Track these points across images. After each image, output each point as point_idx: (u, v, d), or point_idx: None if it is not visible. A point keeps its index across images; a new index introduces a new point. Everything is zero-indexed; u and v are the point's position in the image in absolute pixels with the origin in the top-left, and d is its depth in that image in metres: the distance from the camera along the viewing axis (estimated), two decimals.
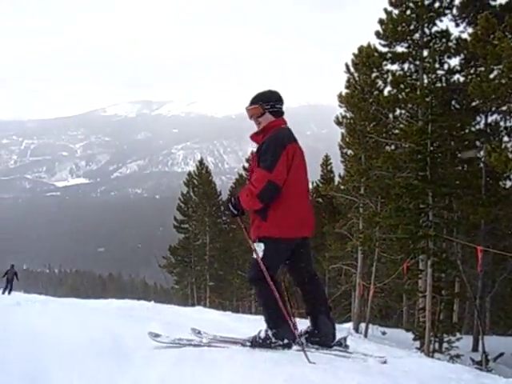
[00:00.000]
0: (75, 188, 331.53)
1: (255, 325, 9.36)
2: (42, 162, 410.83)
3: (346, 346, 4.73)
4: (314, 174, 40.26)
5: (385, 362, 4.51)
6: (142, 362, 4.43)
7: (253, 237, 4.65)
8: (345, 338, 4.76)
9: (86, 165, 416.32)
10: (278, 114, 4.72)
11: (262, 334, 4.62)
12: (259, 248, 4.54)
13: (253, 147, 5.29)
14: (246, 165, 34.43)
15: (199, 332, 5.24)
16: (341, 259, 26.16)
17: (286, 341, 4.50)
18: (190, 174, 38.01)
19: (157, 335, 4.94)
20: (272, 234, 4.48)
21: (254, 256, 4.60)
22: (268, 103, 4.68)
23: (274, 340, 4.52)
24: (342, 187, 26.70)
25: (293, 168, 4.45)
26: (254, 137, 4.87)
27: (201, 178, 36.77)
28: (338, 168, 28.52)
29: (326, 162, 33.46)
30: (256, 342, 4.61)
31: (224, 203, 5.35)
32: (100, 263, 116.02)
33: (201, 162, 38.43)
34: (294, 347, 4.51)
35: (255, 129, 4.86)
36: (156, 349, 4.77)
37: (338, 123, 24.18)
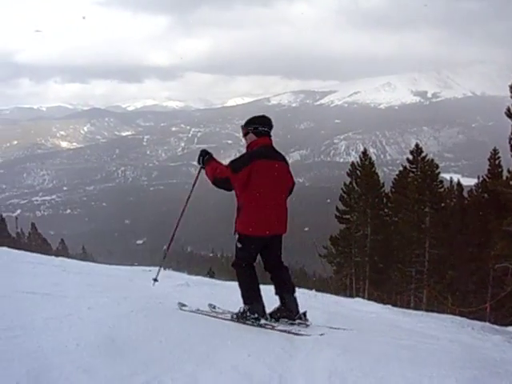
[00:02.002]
0: None
1: (416, 320, 9.10)
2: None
3: (306, 320, 6.06)
4: (479, 169, 38.54)
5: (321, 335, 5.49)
6: (308, 349, 4.45)
7: (235, 231, 6.10)
8: (304, 313, 6.09)
9: None
10: (261, 134, 6.12)
11: (241, 309, 6.11)
12: (236, 238, 6.07)
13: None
14: (410, 157, 33.61)
15: (214, 307, 6.84)
16: (507, 258, 24.86)
17: (256, 315, 5.94)
18: (353, 164, 37.73)
19: (183, 305, 6.78)
20: (243, 232, 5.95)
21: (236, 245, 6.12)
22: (251, 126, 6.19)
23: (248, 314, 5.97)
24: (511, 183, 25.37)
25: (257, 178, 5.79)
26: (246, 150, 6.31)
27: (364, 169, 36.40)
28: (508, 163, 27.10)
29: (494, 156, 31.84)
30: (236, 316, 6.14)
31: (200, 151, 5.64)
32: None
33: (364, 153, 37.99)
34: (262, 320, 5.96)
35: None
36: (319, 339, 4.76)
37: (510, 115, 22.84)
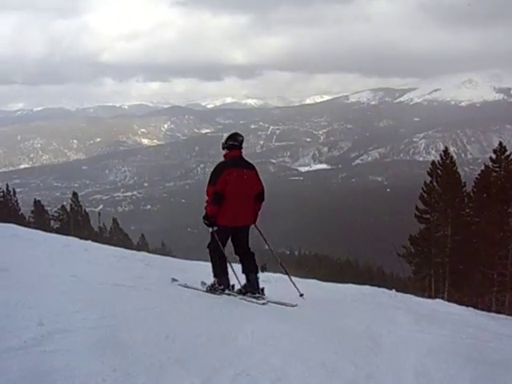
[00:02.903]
0: (317, 173, 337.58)
1: (501, 323, 8.92)
2: (286, 148, 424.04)
3: (263, 294, 7.57)
4: None
5: (294, 306, 7.14)
6: (393, 348, 4.46)
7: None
8: (262, 289, 7.65)
9: (329, 151, 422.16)
10: (232, 147, 7.69)
11: (212, 282, 7.78)
12: (213, 228, 7.67)
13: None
14: (493, 155, 32.78)
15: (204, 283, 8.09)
16: None
17: (222, 286, 7.64)
18: (433, 163, 37.05)
19: (174, 279, 8.38)
20: (219, 222, 7.58)
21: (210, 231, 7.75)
22: (225, 142, 7.76)
23: (217, 285, 7.65)
24: None
25: (229, 183, 7.38)
26: None
27: (445, 168, 35.70)
28: None
29: None
30: (208, 287, 7.78)
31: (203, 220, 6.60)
32: (337, 248, 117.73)
33: (445, 152, 37.25)
34: (227, 290, 7.63)
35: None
36: (404, 339, 4.75)
37: None
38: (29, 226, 22.68)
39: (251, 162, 8.03)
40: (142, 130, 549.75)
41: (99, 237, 52.95)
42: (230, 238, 7.85)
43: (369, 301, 8.80)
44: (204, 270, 9.38)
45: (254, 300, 7.32)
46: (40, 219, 54.74)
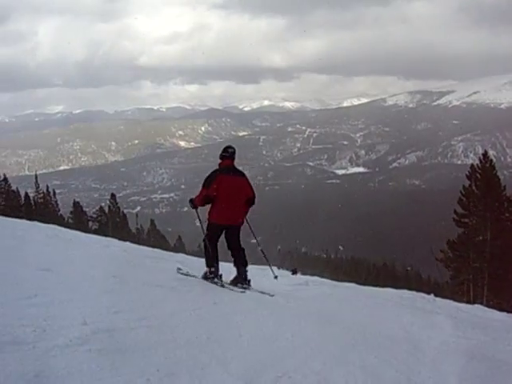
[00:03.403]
0: (354, 176, 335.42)
1: None
2: (323, 151, 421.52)
3: (250, 284, 8.81)
4: None
5: (272, 296, 8.22)
6: (434, 353, 4.44)
7: (207, 218, 9.04)
8: (249, 281, 8.88)
9: (366, 154, 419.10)
10: (224, 158, 9.07)
11: (205, 270, 8.96)
12: (206, 223, 9.09)
13: None
14: None
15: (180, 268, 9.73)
16: None
17: (213, 275, 8.78)
18: (472, 166, 36.63)
19: (180, 268, 9.67)
20: (211, 220, 8.92)
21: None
22: (221, 153, 9.16)
23: (208, 274, 8.83)
24: None
25: (221, 188, 8.63)
26: None
27: (484, 172, 35.26)
28: None
29: None
30: (203, 275, 8.97)
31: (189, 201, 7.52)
32: (374, 252, 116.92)
33: (484, 155, 36.78)
34: (216, 279, 8.74)
35: None
36: (445, 345, 4.71)
37: None
38: (68, 227, 22.99)
39: (241, 170, 9.45)
40: (180, 132, 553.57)
41: (137, 238, 53.45)
42: (223, 235, 9.11)
43: (408, 305, 8.78)
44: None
45: (235, 288, 8.54)
46: (79, 220, 55.47)
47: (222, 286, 8.67)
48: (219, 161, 9.17)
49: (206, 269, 9.00)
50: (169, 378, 3.76)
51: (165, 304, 5.99)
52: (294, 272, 19.08)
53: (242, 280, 8.86)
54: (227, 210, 8.74)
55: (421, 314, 7.00)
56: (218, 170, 8.98)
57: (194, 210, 9.45)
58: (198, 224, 9.84)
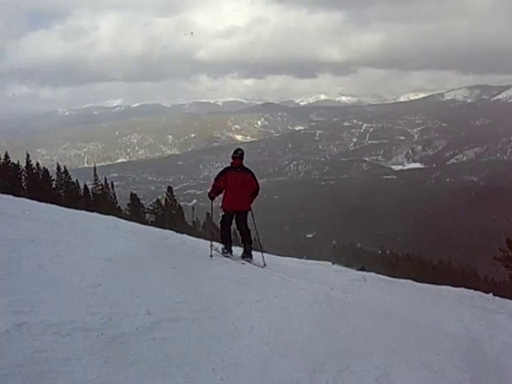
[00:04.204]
0: (410, 172, 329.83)
1: None
2: (379, 146, 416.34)
3: (252, 258, 10.81)
4: None
5: (262, 267, 10.34)
6: (497, 353, 4.38)
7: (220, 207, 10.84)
8: (251, 256, 10.89)
9: (423, 150, 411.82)
10: (235, 158, 10.78)
11: (222, 247, 10.91)
12: (220, 210, 10.89)
13: None
14: None
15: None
16: None
17: (226, 250, 10.80)
18: None
19: (216, 249, 11.01)
20: (224, 207, 10.76)
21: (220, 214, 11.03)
22: (232, 155, 10.90)
23: (224, 250, 10.79)
24: None
25: (229, 181, 10.51)
26: None
27: None
28: None
29: None
30: (221, 251, 10.84)
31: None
32: (429, 249, 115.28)
33: None
34: (228, 254, 10.75)
35: None
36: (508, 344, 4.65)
37: None
38: (125, 219, 23.40)
39: (249, 167, 11.34)
40: (236, 126, 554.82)
41: (193, 231, 53.83)
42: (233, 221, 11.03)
43: (467, 303, 8.67)
44: (301, 268, 9.53)
45: (235, 259, 10.75)
46: (136, 212, 56.25)
47: (230, 258, 10.76)
48: (231, 160, 11.00)
49: (222, 246, 11.14)
50: (233, 368, 3.85)
51: (225, 296, 6.08)
52: (363, 269, 19.35)
53: (247, 255, 10.99)
54: (234, 199, 10.71)
55: (481, 312, 6.92)
56: (228, 168, 10.97)
57: (210, 201, 11.49)
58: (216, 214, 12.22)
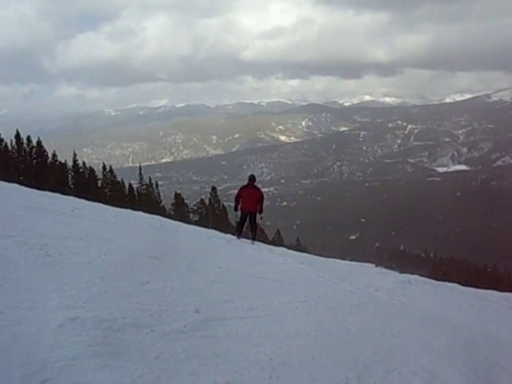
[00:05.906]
0: (455, 174, 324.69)
1: None
2: (424, 147, 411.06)
3: (254, 243, 15.14)
4: None
5: (253, 244, 15.18)
6: None
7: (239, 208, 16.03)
8: (254, 242, 15.40)
9: (468, 152, 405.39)
10: (249, 180, 15.89)
11: (235, 235, 15.99)
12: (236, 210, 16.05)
13: None
14: None
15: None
16: None
17: (238, 237, 15.73)
18: None
19: (233, 234, 16.52)
20: (241, 210, 15.90)
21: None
22: (248, 178, 16.16)
23: (237, 237, 15.73)
24: None
25: (243, 195, 15.74)
26: None
27: None
28: None
29: None
30: (236, 236, 15.80)
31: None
32: (474, 252, 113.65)
33: None
34: (238, 240, 15.29)
35: None
36: None
37: None
38: (170, 218, 23.69)
39: (259, 187, 16.77)
40: (280, 127, 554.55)
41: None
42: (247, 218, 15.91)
43: (506, 306, 8.60)
44: (345, 269, 9.53)
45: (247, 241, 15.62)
46: (180, 211, 56.70)
47: (241, 240, 15.62)
48: (247, 180, 16.01)
49: (236, 234, 16.00)
50: (281, 367, 3.87)
51: (271, 296, 6.12)
52: (403, 271, 19.31)
53: (252, 240, 15.57)
54: (246, 205, 15.62)
55: None
56: (243, 186, 16.18)
57: (236, 210, 16.34)
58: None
